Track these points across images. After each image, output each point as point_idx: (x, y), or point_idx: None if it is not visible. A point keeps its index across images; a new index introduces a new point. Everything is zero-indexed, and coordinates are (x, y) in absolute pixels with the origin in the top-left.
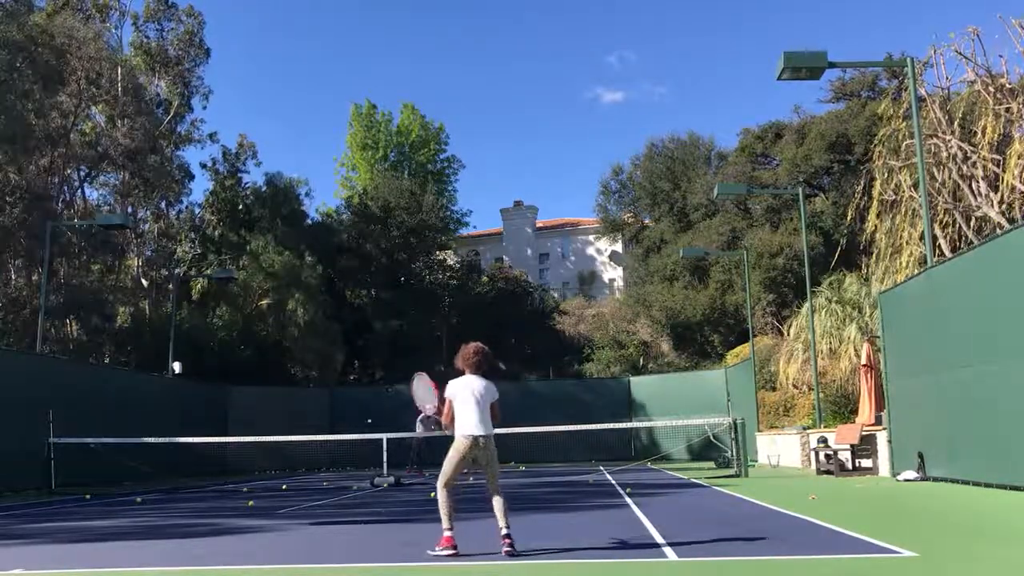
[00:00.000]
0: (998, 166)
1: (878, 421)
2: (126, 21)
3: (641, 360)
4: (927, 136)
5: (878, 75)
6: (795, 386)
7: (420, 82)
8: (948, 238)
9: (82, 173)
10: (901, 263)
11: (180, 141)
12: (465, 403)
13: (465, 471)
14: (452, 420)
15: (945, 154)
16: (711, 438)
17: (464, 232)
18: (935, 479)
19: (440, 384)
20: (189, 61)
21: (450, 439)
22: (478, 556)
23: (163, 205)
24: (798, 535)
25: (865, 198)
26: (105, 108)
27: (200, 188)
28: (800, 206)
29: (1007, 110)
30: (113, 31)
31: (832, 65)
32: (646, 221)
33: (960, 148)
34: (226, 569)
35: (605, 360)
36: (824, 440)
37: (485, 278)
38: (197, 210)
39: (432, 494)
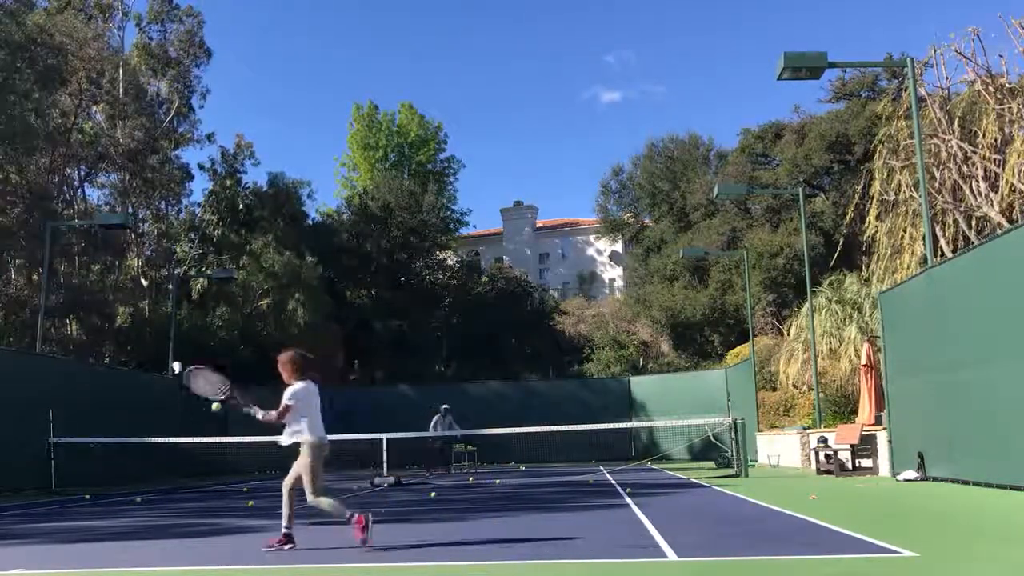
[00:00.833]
0: (998, 166)
1: (878, 421)
2: (128, 22)
3: (641, 360)
4: (927, 136)
5: (878, 75)
6: (795, 386)
7: (420, 82)
8: (948, 238)
9: (82, 173)
10: (901, 263)
11: (180, 141)
12: (313, 410)
13: (466, 471)
14: (283, 422)
15: (945, 154)
16: (711, 438)
17: (464, 232)
18: (935, 479)
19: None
20: (190, 61)
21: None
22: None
23: (163, 205)
24: (798, 535)
25: (865, 198)
26: (106, 108)
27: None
28: (800, 206)
29: (1007, 110)
30: (115, 31)
31: (832, 65)
32: (646, 221)
33: (960, 148)
34: (226, 569)
35: (605, 360)
36: (824, 440)
37: (485, 278)
38: (197, 210)
39: (432, 494)
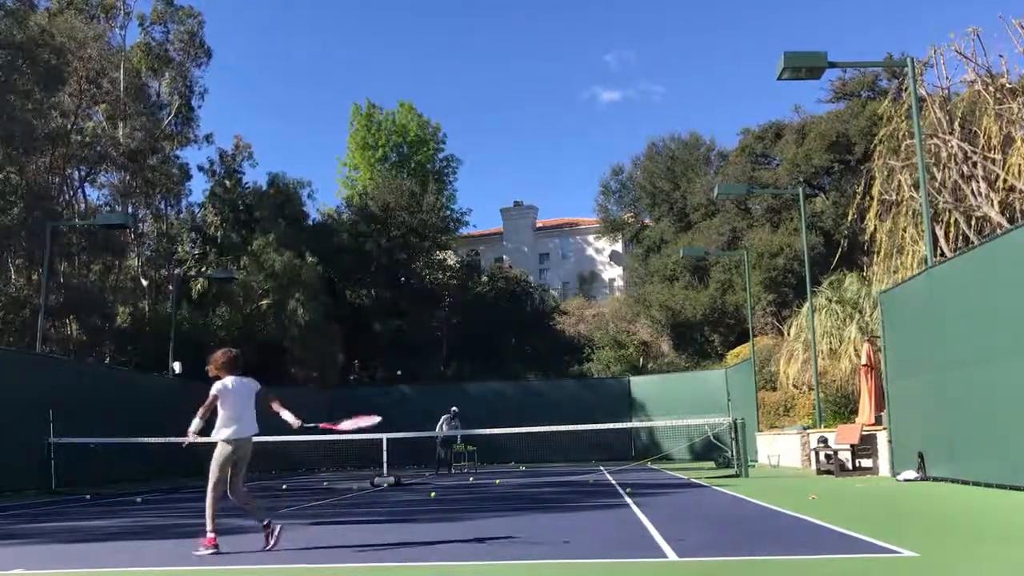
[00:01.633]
0: (998, 166)
1: (878, 421)
2: (130, 21)
3: (641, 360)
4: (927, 136)
5: (878, 75)
6: (795, 386)
7: (420, 81)
8: (948, 238)
9: (82, 173)
10: (902, 263)
11: (180, 141)
12: (238, 403)
13: (466, 471)
14: (206, 417)
15: (945, 154)
16: (711, 438)
17: (464, 232)
18: (935, 479)
19: None
20: (190, 62)
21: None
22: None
23: (163, 205)
24: (798, 535)
25: (866, 198)
26: (106, 108)
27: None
28: (800, 206)
29: (1007, 110)
30: (118, 31)
31: (832, 65)
32: (646, 221)
33: (960, 148)
34: (226, 569)
35: (605, 360)
36: (824, 440)
37: (485, 278)
38: (197, 210)
39: (432, 494)
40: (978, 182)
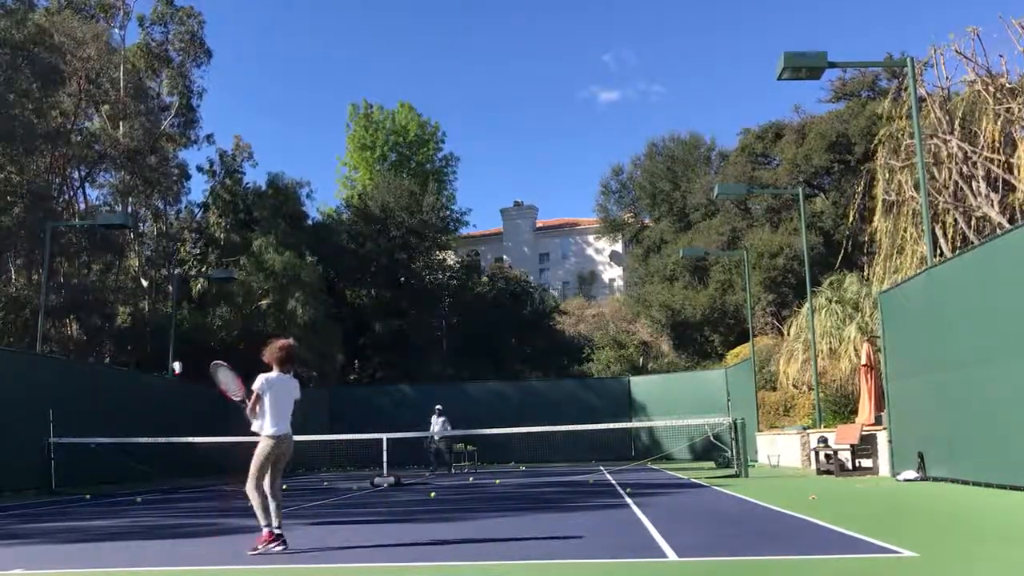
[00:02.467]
0: (998, 166)
1: (878, 421)
2: (130, 21)
3: (641, 360)
4: (927, 136)
5: (878, 75)
6: (795, 386)
7: (419, 81)
8: (948, 238)
9: (82, 173)
10: (902, 263)
11: (180, 141)
12: (279, 402)
13: (466, 471)
14: (256, 415)
15: (945, 154)
16: (711, 438)
17: (464, 232)
18: (935, 479)
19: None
20: (190, 62)
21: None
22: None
23: (163, 205)
24: (798, 535)
25: (865, 198)
26: (106, 108)
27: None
28: (800, 206)
29: (1007, 110)
30: (117, 31)
31: (832, 65)
32: (646, 221)
33: (960, 148)
34: (226, 569)
35: (605, 360)
36: (824, 440)
37: (485, 278)
38: (196, 210)
39: (432, 494)
40: (978, 182)
